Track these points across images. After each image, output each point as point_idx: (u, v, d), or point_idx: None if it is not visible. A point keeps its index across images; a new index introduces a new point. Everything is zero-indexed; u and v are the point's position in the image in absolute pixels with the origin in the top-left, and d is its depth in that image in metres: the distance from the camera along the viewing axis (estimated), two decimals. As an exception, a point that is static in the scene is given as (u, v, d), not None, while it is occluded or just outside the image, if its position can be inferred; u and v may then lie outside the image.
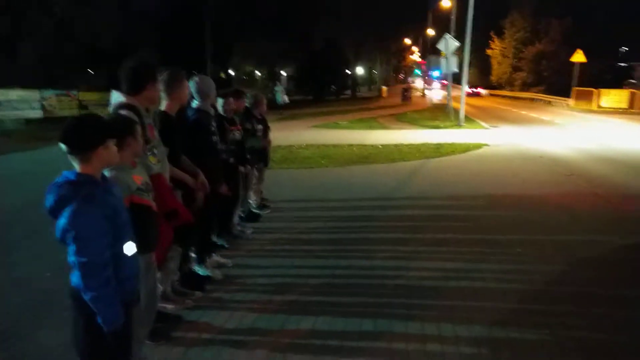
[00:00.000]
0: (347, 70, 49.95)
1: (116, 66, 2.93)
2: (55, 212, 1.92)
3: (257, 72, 51.94)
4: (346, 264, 4.52)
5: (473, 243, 5.07)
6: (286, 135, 13.51)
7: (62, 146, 1.99)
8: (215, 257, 4.43)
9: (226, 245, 4.89)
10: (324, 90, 42.27)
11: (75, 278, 1.99)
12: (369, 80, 67.11)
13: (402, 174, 8.83)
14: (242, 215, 5.70)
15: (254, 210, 6.05)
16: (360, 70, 56.39)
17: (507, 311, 3.56)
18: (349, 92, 51.93)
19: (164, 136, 3.06)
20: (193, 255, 4.15)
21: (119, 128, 2.24)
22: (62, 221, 1.90)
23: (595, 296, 3.83)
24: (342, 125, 18.47)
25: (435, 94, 28.96)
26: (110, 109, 2.75)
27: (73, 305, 2.04)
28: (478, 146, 11.95)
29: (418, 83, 52.12)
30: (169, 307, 3.50)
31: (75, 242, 1.90)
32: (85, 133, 2.00)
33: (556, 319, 3.43)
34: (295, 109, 25.21)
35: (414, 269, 4.37)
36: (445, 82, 31.68)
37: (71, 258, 1.94)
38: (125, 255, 2.09)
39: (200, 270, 4.15)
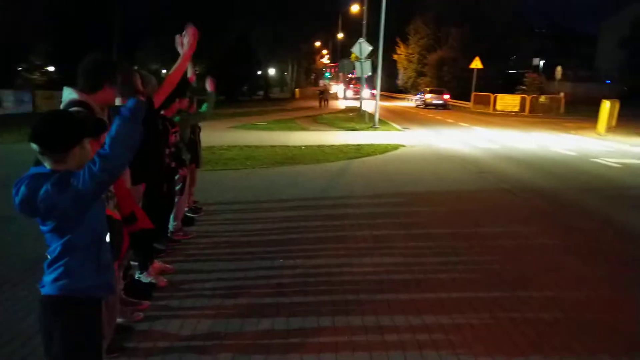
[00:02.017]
0: (258, 72, 49.74)
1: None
2: (29, 201, 1.78)
3: (164, 70, 49.93)
4: (292, 264, 4.56)
5: (407, 238, 5.36)
6: (205, 136, 13.08)
7: (34, 146, 1.84)
8: (157, 263, 4.25)
9: (164, 249, 4.71)
10: (236, 90, 41.71)
11: (47, 284, 1.85)
12: (280, 82, 67.36)
13: (328, 174, 9.02)
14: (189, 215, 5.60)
15: (188, 214, 5.87)
16: (272, 72, 56.47)
17: (449, 299, 3.82)
18: (261, 93, 51.78)
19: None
20: (134, 263, 3.95)
21: (96, 126, 2.10)
22: (41, 195, 1.78)
23: (525, 279, 4.24)
24: (261, 127, 18.40)
25: (367, 104, 25.34)
26: (62, 106, 2.55)
27: (44, 317, 1.89)
28: (395, 147, 12.53)
29: (336, 87, 50.49)
30: (117, 319, 3.31)
31: (65, 190, 1.78)
32: (61, 132, 1.86)
33: (494, 303, 3.75)
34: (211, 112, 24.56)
35: (356, 265, 4.52)
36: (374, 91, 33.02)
37: (63, 202, 1.79)
38: (106, 243, 2.00)
39: (143, 278, 3.96)
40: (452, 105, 35.77)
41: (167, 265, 4.35)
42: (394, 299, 3.81)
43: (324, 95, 35.73)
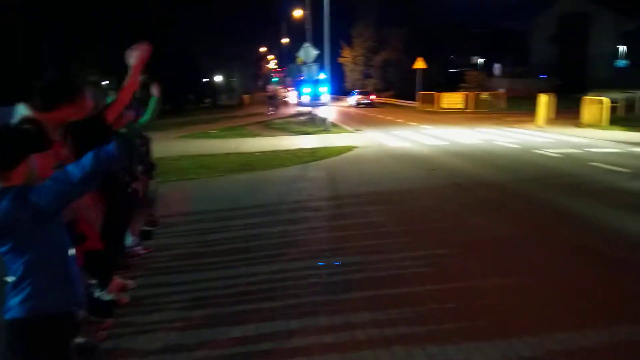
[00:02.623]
0: (204, 79, 48.97)
1: None
2: None
3: (104, 82, 48.29)
4: (255, 270, 4.54)
5: (367, 237, 5.46)
6: (154, 146, 12.83)
7: None
8: (117, 280, 4.12)
9: (125, 265, 4.57)
10: (182, 99, 40.86)
11: (13, 307, 1.79)
12: (227, 88, 66.65)
13: (285, 179, 9.04)
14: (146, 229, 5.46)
15: (145, 228, 5.72)
16: (218, 79, 55.77)
17: (412, 293, 3.94)
18: (208, 100, 51.00)
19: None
20: (92, 281, 3.82)
21: (40, 140, 2.04)
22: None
23: (479, 269, 4.43)
24: (212, 135, 18.14)
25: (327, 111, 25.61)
26: (14, 122, 2.46)
27: (13, 342, 1.82)
28: (349, 149, 12.71)
29: (290, 94, 48.17)
30: (79, 339, 3.19)
31: (24, 206, 1.75)
32: (4, 150, 1.81)
33: (452, 294, 3.90)
34: (155, 119, 23.97)
35: (320, 267, 4.57)
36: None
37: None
38: (71, 257, 1.95)
39: (103, 295, 3.83)
40: (378, 103, 42.21)
41: (128, 281, 4.22)
42: (360, 296, 3.89)
43: (274, 101, 34.96)
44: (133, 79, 3.51)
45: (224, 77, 59.30)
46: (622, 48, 44.34)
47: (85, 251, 2.98)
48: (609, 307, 3.66)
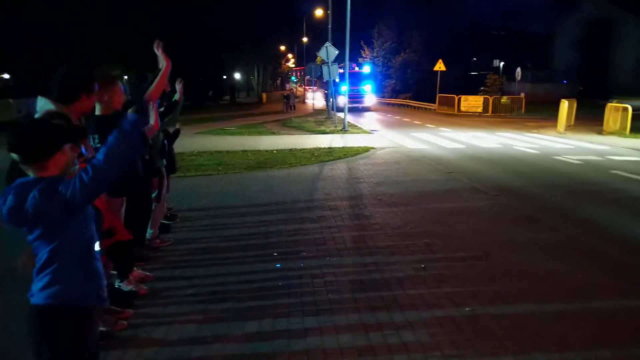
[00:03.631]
0: (224, 76, 49.35)
1: None
2: (17, 209, 1.78)
3: (125, 77, 48.96)
4: (271, 267, 4.58)
5: (384, 238, 5.46)
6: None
7: (14, 155, 1.84)
8: (137, 272, 4.20)
9: (147, 257, 4.66)
10: (202, 95, 41.22)
11: (35, 293, 1.84)
12: (247, 86, 67.00)
13: (302, 177, 9.06)
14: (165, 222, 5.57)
15: (163, 222, 5.80)
16: (237, 76, 56.12)
17: (429, 295, 3.93)
18: (227, 98, 51.36)
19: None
20: (113, 271, 3.89)
21: (75, 132, 2.09)
22: (29, 201, 1.78)
23: (499, 274, 4.40)
24: (230, 132, 18.27)
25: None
26: (37, 116, 2.51)
27: (34, 327, 1.87)
28: (366, 149, 12.68)
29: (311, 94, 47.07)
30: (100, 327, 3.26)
31: (53, 197, 1.78)
32: (40, 140, 1.86)
33: (472, 298, 3.88)
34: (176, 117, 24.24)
35: (337, 266, 4.59)
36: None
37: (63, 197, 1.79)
38: (96, 252, 1.99)
39: (123, 286, 3.91)
40: (393, 104, 43.10)
41: (147, 273, 4.30)
42: (376, 296, 3.89)
43: (290, 101, 35.15)
44: (160, 81, 3.76)
45: (243, 74, 59.67)
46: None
47: (112, 243, 3.04)
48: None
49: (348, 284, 4.16)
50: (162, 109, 5.44)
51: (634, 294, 4.03)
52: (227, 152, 12.25)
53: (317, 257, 4.84)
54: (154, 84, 3.75)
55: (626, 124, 16.61)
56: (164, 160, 5.35)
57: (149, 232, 5.03)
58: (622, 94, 21.38)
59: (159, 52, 3.99)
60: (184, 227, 5.87)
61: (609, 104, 17.96)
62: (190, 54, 34.84)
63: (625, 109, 16.85)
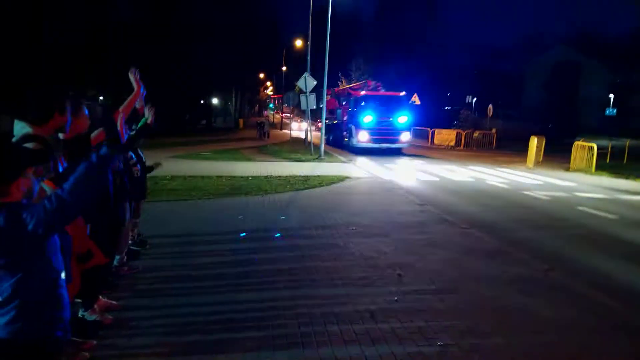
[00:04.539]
0: (201, 100, 49.31)
1: None
2: None
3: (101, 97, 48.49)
4: (242, 297, 4.50)
5: (356, 268, 5.44)
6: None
7: None
8: (102, 300, 4.06)
9: (113, 284, 4.51)
10: (178, 119, 40.95)
11: (1, 327, 1.75)
12: (224, 111, 67.04)
13: (276, 205, 9.02)
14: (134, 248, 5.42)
15: (133, 248, 5.66)
16: (215, 101, 56.15)
17: (401, 329, 3.91)
18: (204, 122, 51.22)
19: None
20: (77, 299, 3.75)
21: (38, 155, 2.04)
22: None
23: (468, 308, 4.42)
24: (205, 156, 18.15)
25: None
26: (15, 140, 2.46)
27: None
28: (341, 178, 12.76)
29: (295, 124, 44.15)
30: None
31: (16, 225, 1.72)
32: (2, 164, 1.81)
33: (444, 332, 3.88)
34: (150, 138, 24.01)
35: (309, 297, 4.54)
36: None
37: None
38: (62, 281, 1.92)
39: (87, 315, 3.76)
40: None
41: (113, 302, 4.16)
42: (348, 330, 3.85)
43: (264, 128, 35.07)
44: (129, 105, 4.03)
45: (220, 99, 59.74)
46: (611, 97, 45.55)
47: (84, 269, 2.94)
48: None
49: (320, 316, 4.11)
50: (132, 132, 5.40)
51: (602, 329, 4.11)
52: (202, 177, 12.13)
53: (290, 287, 4.78)
54: (125, 102, 4.06)
55: (592, 162, 17.23)
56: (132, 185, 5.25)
57: (116, 259, 4.90)
58: (588, 133, 22.26)
59: (132, 78, 4.21)
60: (154, 254, 5.73)
61: (576, 142, 18.64)
62: (166, 77, 34.81)
63: (591, 148, 17.50)
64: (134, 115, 4.81)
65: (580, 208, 10.03)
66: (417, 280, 5.13)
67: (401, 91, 22.94)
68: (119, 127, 4.18)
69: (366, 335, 3.77)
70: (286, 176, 12.80)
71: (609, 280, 5.54)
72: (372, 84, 25.69)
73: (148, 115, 5.56)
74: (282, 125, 50.69)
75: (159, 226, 7.02)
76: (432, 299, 4.62)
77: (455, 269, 5.62)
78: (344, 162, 18.26)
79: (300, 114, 22.96)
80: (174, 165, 14.39)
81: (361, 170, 15.26)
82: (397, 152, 21.70)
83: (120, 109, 4.25)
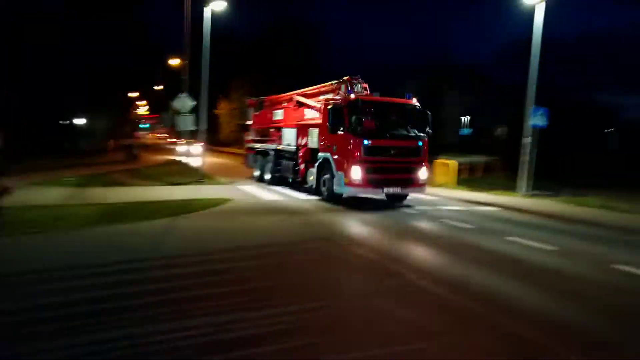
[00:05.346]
0: (62, 121, 45.22)
1: None
2: None
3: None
4: (99, 337, 4.12)
5: (239, 294, 5.41)
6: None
7: None
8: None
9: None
10: (36, 141, 37.02)
11: None
12: (90, 132, 62.07)
13: (154, 232, 8.60)
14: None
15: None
16: (80, 121, 51.81)
17: (285, 350, 3.98)
18: (67, 144, 46.93)
19: None
20: None
21: None
22: None
23: (344, 323, 4.64)
24: (71, 182, 16.61)
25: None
26: None
27: None
28: (223, 201, 12.55)
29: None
30: None
31: None
32: None
33: (329, 349, 4.02)
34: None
35: (193, 328, 4.40)
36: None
37: None
38: None
39: None
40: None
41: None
42: (231, 357, 3.81)
43: (132, 150, 33.51)
44: None
45: (87, 119, 55.30)
46: (466, 119, 51.30)
47: None
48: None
49: (203, 346, 4.01)
50: None
51: (462, 329, 4.59)
52: (68, 205, 11.09)
53: (170, 319, 4.58)
54: None
55: (453, 177, 19.25)
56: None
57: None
58: (448, 151, 24.74)
59: None
60: (8, 296, 5.10)
61: (436, 160, 20.61)
62: (18, 95, 31.35)
63: (448, 165, 19.61)
64: None
65: (443, 220, 11.08)
66: (299, 300, 5.25)
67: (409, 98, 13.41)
68: None
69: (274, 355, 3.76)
70: (163, 201, 12.26)
71: (468, 284, 6.20)
72: (358, 83, 13.37)
73: None
74: (159, 147, 48.47)
75: (9, 263, 6.29)
76: (315, 318, 4.77)
77: (330, 285, 5.87)
78: (226, 184, 18.00)
79: (186, 134, 20.59)
80: (33, 194, 12.96)
81: (243, 192, 15.18)
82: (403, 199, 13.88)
83: None
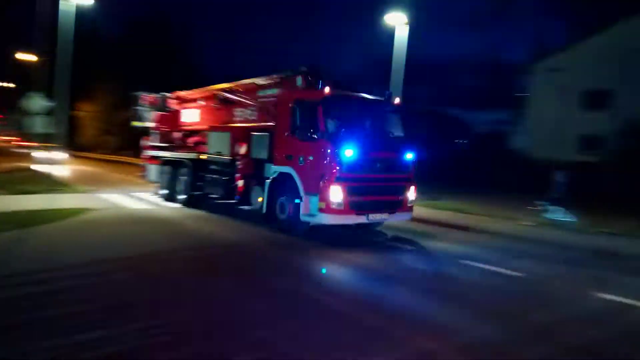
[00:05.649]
0: None
1: None
2: None
3: None
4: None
5: (100, 311, 5.13)
6: None
7: None
8: None
9: None
10: None
11: None
12: None
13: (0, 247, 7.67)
14: None
15: None
16: None
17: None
18: None
19: None
20: None
21: None
22: None
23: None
24: None
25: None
26: None
27: None
28: (82, 211, 11.52)
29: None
30: None
31: None
32: None
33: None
34: None
35: (46, 349, 4.08)
36: None
37: None
38: None
39: None
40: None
41: None
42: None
43: None
44: None
45: None
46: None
47: None
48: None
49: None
50: None
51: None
52: None
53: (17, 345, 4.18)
54: None
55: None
56: None
57: None
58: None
59: None
60: None
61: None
62: None
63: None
64: None
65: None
66: (170, 313, 5.14)
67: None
68: None
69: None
70: (10, 212, 10.91)
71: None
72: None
73: None
74: (6, 152, 42.76)
75: None
76: (184, 329, 4.70)
77: (204, 290, 5.84)
78: (85, 192, 16.53)
79: (39, 138, 17.50)
80: None
81: (104, 201, 14.10)
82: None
83: None
